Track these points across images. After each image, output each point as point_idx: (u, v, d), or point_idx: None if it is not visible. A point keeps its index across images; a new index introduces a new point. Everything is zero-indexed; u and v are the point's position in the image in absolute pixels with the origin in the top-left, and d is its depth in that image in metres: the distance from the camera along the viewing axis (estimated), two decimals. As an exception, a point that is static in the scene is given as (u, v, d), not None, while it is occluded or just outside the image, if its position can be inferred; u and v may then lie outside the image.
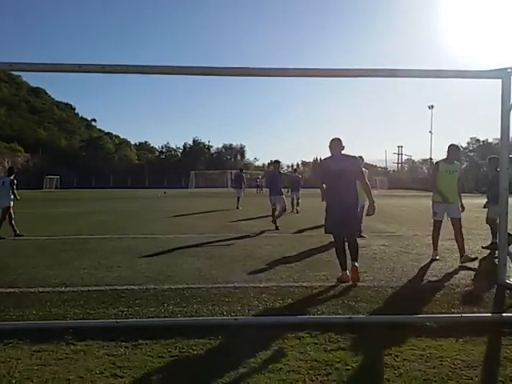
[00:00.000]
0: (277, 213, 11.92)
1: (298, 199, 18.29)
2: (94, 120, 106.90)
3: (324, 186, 5.85)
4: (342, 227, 5.59)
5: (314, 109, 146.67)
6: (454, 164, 7.27)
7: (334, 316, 4.18)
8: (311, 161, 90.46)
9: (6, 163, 67.97)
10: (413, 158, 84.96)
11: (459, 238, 7.03)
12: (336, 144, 5.66)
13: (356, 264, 5.57)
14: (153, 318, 4.12)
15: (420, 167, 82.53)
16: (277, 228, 11.53)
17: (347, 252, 5.69)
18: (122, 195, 36.18)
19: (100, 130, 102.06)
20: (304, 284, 5.45)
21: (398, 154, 78.00)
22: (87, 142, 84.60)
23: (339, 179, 5.52)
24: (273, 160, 14.05)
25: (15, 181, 10.34)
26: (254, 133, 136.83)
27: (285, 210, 12.25)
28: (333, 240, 5.83)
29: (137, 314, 4.23)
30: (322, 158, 6.09)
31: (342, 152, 5.67)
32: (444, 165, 7.19)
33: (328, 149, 5.70)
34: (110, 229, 11.56)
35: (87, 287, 5.23)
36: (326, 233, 5.82)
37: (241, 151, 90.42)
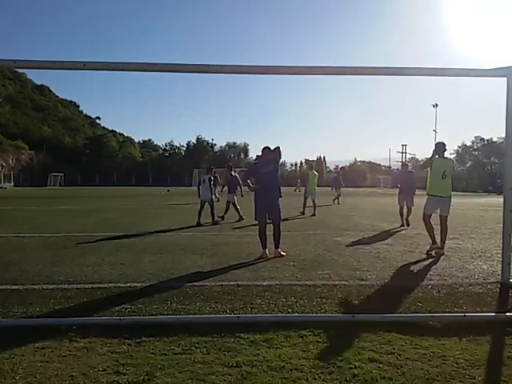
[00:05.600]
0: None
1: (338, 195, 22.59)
2: (98, 118, 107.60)
3: (249, 181, 7.67)
4: (269, 214, 7.35)
5: (318, 108, 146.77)
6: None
7: (337, 314, 4.18)
8: (315, 159, 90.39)
9: (10, 160, 68.30)
10: (417, 157, 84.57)
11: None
12: (266, 153, 7.41)
13: (279, 250, 7.27)
14: (156, 315, 4.13)
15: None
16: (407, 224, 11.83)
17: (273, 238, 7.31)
18: (126, 193, 36.28)
19: (104, 127, 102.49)
20: (307, 282, 5.44)
21: (402, 153, 77.61)
22: (91, 140, 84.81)
23: (267, 178, 7.25)
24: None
25: (212, 178, 12.84)
26: (257, 130, 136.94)
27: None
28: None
29: (140, 311, 4.24)
30: (253, 162, 8.13)
31: (270, 157, 7.35)
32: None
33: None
34: (113, 226, 11.58)
35: (91, 284, 5.25)
36: (255, 219, 7.41)
37: (244, 149, 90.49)
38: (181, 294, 4.80)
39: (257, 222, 7.47)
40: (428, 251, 7.58)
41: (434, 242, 7.63)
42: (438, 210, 7.70)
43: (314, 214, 15.02)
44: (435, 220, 7.73)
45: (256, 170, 7.52)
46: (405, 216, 11.99)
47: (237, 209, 13.31)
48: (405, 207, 12.11)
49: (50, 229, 10.83)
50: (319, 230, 10.84)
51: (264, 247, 7.27)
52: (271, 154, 7.42)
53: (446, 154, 7.89)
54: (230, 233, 10.30)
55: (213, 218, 12.48)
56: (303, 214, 15.17)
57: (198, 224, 11.98)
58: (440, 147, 7.74)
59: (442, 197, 7.58)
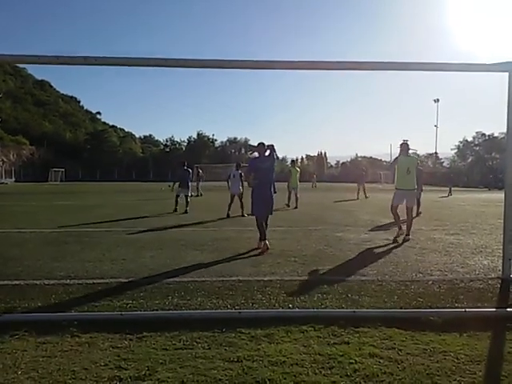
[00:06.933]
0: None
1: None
2: (99, 113, 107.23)
3: (251, 177, 7.68)
4: (266, 209, 7.55)
5: (319, 103, 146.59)
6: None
7: (338, 310, 4.18)
8: (316, 155, 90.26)
9: (11, 156, 68.30)
10: (418, 152, 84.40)
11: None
12: (261, 148, 7.66)
13: (262, 243, 7.37)
14: (157, 310, 4.14)
15: (425, 161, 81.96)
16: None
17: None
18: (127, 188, 36.28)
19: (105, 123, 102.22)
20: (307, 278, 5.45)
21: (403, 148, 77.38)
22: (92, 135, 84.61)
23: (265, 174, 7.51)
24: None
25: (242, 173, 13.33)
26: (257, 126, 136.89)
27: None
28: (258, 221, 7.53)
29: (141, 306, 4.25)
30: (252, 158, 8.16)
31: (265, 154, 7.63)
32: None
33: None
34: (114, 222, 11.59)
35: (92, 280, 5.26)
36: (252, 214, 7.63)
37: (245, 145, 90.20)
38: (182, 290, 4.81)
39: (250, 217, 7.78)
40: (395, 237, 8.60)
41: (400, 228, 8.83)
42: (405, 202, 8.75)
43: (296, 207, 16.25)
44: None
45: (255, 164, 7.70)
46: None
47: (187, 202, 14.55)
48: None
49: (50, 224, 10.83)
50: (320, 226, 10.84)
51: (264, 238, 7.37)
52: (265, 150, 7.66)
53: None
54: (230, 228, 10.30)
55: (242, 211, 13.06)
56: (288, 206, 16.59)
57: (228, 216, 12.92)
58: (404, 147, 8.94)
59: (407, 189, 8.71)
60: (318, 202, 20.13)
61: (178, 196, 14.84)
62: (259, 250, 7.22)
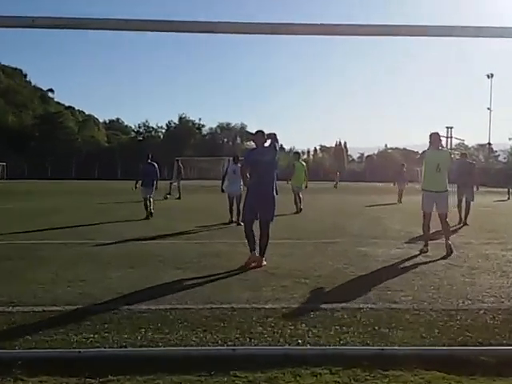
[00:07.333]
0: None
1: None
2: (51, 90, 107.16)
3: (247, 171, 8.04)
4: (260, 213, 7.71)
5: (336, 78, 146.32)
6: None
7: (361, 347, 4.18)
8: (333, 146, 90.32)
9: None
10: (466, 143, 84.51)
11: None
12: (260, 137, 7.87)
13: (263, 259, 7.56)
14: (126, 347, 4.14)
15: (475, 154, 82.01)
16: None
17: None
18: (87, 188, 36.28)
19: (59, 103, 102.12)
20: (321, 305, 5.45)
21: (447, 138, 77.50)
22: (42, 119, 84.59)
23: (265, 169, 7.69)
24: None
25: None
26: (256, 107, 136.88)
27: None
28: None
29: (105, 341, 4.24)
30: (249, 150, 8.66)
31: (265, 144, 7.86)
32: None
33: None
34: (71, 232, 11.60)
35: (42, 307, 5.26)
36: (242, 220, 8.33)
37: (241, 132, 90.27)
38: (158, 320, 4.81)
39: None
40: (421, 249, 8.97)
41: (426, 244, 9.04)
42: (434, 207, 9.03)
43: (300, 209, 17.11)
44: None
45: (252, 157, 7.86)
46: (463, 213, 13.66)
47: (149, 205, 14.84)
48: (463, 202, 13.66)
49: (-12, 234, 10.83)
50: (338, 238, 10.86)
51: (253, 249, 7.67)
52: (264, 140, 7.89)
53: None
54: (220, 241, 10.31)
55: (238, 217, 12.99)
56: (300, 210, 17.18)
57: (231, 221, 13.51)
58: (435, 138, 9.20)
59: (437, 192, 8.90)
60: (336, 207, 20.16)
61: (145, 199, 14.99)
62: (251, 264, 7.44)
